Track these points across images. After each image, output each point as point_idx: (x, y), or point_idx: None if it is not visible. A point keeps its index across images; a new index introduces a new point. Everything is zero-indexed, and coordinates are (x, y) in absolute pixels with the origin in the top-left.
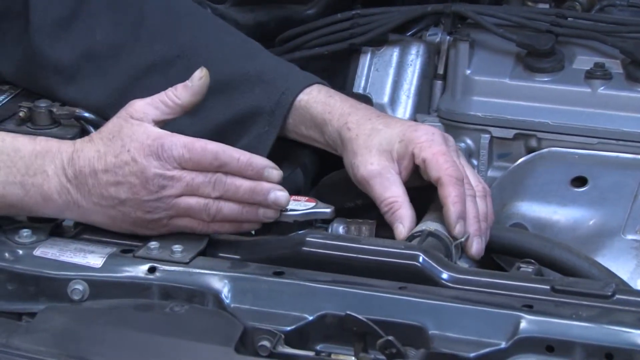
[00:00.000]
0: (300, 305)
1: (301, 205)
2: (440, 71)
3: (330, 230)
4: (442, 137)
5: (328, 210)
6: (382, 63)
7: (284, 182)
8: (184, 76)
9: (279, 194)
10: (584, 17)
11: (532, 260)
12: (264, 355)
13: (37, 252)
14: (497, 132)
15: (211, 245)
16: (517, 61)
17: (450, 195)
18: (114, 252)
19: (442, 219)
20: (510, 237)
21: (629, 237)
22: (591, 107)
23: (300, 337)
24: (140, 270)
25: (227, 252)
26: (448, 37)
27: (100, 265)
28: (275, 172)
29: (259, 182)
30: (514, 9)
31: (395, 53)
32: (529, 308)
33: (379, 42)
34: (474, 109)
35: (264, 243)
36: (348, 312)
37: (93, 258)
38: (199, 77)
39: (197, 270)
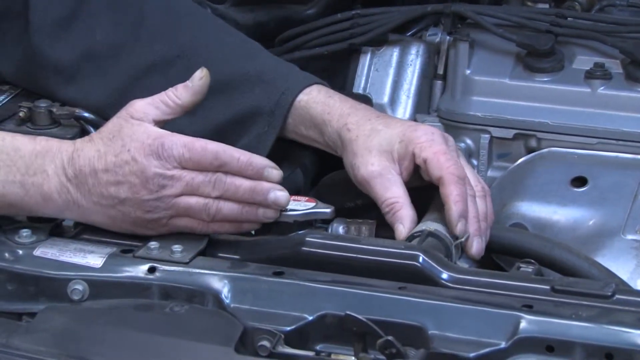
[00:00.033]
0: (300, 305)
1: (301, 205)
2: (440, 71)
3: (330, 230)
4: (442, 136)
5: (328, 210)
6: (382, 63)
7: (284, 182)
8: (184, 76)
9: (279, 194)
10: (584, 17)
11: (532, 260)
12: (264, 355)
13: (37, 252)
14: (497, 132)
15: (211, 245)
16: (517, 61)
17: (452, 193)
18: (113, 252)
19: (442, 219)
20: (510, 237)
21: (629, 237)
22: (591, 107)
23: (300, 337)
24: (140, 270)
25: (227, 252)
26: (448, 37)
27: (100, 265)
28: (275, 172)
29: (259, 182)
30: (514, 9)
31: (395, 53)
32: (528, 308)
33: (379, 42)
34: (474, 109)
35: (264, 243)
36: (348, 312)
37: (93, 258)
38: (200, 77)
39: (197, 270)
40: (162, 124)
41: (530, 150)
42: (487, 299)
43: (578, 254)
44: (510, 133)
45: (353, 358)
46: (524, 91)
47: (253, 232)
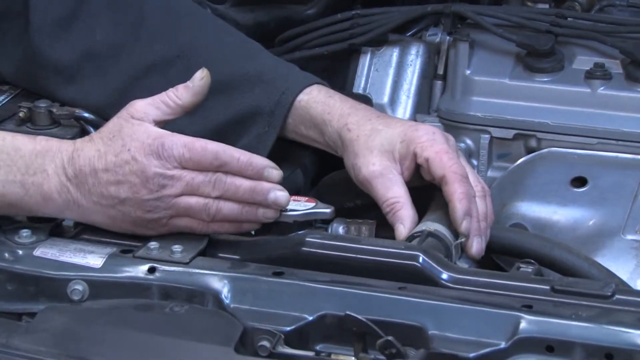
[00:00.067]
0: (300, 305)
1: (301, 206)
2: (440, 71)
3: (330, 230)
4: (443, 136)
5: (328, 210)
6: (382, 63)
7: (284, 182)
8: (184, 76)
9: (279, 194)
10: (584, 17)
11: (532, 261)
12: (264, 356)
13: (37, 252)
14: (497, 132)
15: (211, 245)
16: (517, 61)
17: (456, 192)
18: (113, 252)
19: (442, 219)
20: (510, 237)
21: (629, 237)
22: (591, 107)
23: (300, 337)
24: (140, 270)
25: (227, 252)
26: (448, 37)
27: (100, 266)
28: (276, 172)
29: (259, 182)
30: (514, 9)
31: (395, 53)
32: (528, 308)
33: (379, 42)
34: (474, 109)
35: (264, 243)
36: (348, 312)
37: (93, 258)
38: (200, 77)
39: (197, 271)
40: (163, 124)
41: (530, 151)
42: (487, 299)
43: (578, 254)
44: (510, 133)
45: (353, 358)
46: (524, 91)
47: (253, 232)
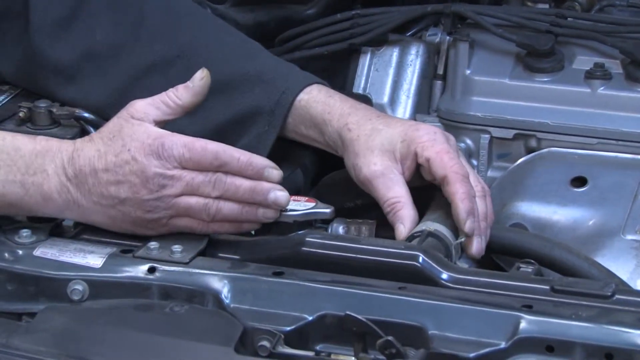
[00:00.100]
0: (300, 305)
1: (301, 205)
2: (440, 71)
3: (330, 230)
4: (444, 136)
5: (328, 210)
6: (382, 63)
7: (284, 182)
8: (184, 76)
9: (279, 194)
10: (584, 17)
11: (532, 260)
12: (264, 356)
13: (37, 252)
14: (497, 132)
15: (211, 245)
16: (517, 61)
17: (458, 192)
18: (113, 252)
19: (442, 219)
20: (510, 237)
21: (629, 237)
22: (591, 107)
23: (300, 337)
24: (140, 270)
25: (227, 252)
26: (448, 37)
27: (100, 266)
28: (276, 172)
29: (259, 181)
30: (514, 9)
31: (395, 53)
32: (528, 308)
33: (379, 42)
34: (474, 109)
35: (264, 243)
36: (348, 312)
37: (93, 258)
38: (200, 77)
39: (197, 271)
40: (163, 124)
41: (530, 151)
42: (487, 299)
43: (578, 254)
44: (510, 133)
45: (353, 358)
46: (524, 91)
47: (253, 232)
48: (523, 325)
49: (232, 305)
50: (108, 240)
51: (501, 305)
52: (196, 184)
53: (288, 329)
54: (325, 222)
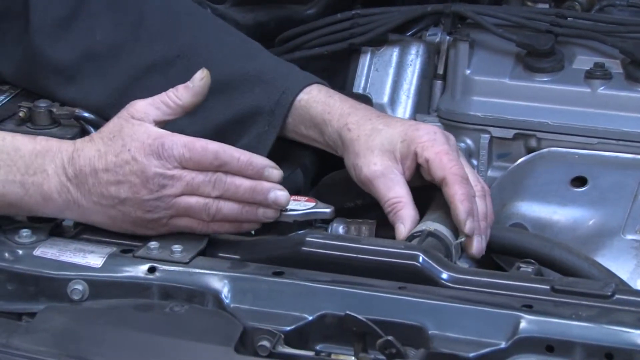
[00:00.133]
0: (300, 305)
1: (301, 205)
2: (440, 71)
3: (330, 230)
4: (444, 136)
5: (328, 210)
6: (382, 63)
7: (284, 182)
8: (184, 76)
9: (279, 194)
10: (584, 17)
11: (532, 260)
12: (264, 355)
13: (37, 252)
14: (497, 132)
15: (211, 245)
16: (517, 61)
17: (457, 193)
18: (113, 252)
19: (442, 219)
20: (510, 237)
21: (629, 237)
22: (591, 107)
23: (300, 337)
24: (140, 270)
25: (227, 252)
26: (448, 37)
27: (100, 265)
28: (276, 172)
29: (259, 181)
30: (514, 9)
31: (395, 53)
32: (528, 308)
33: (379, 42)
34: (474, 109)
35: (264, 243)
36: (348, 312)
37: (93, 258)
38: (200, 77)
39: (197, 270)
40: (163, 125)
41: (530, 150)
42: (487, 299)
43: (578, 254)
44: (510, 133)
45: (353, 358)
46: (524, 91)
47: (253, 232)
48: (523, 325)
49: (232, 305)
50: (108, 240)
51: (501, 305)
52: (196, 184)
53: (288, 328)
54: (325, 222)
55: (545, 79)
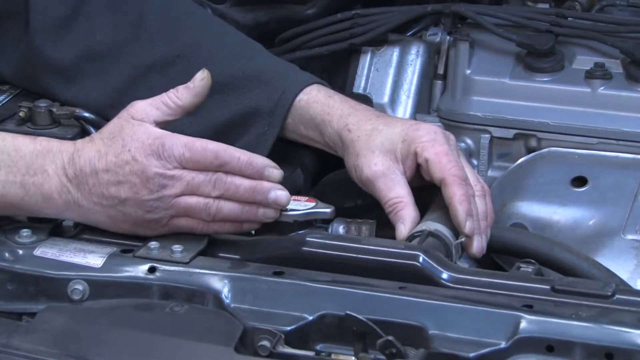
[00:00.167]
0: (300, 305)
1: (301, 205)
2: (441, 71)
3: (330, 230)
4: (444, 136)
5: (328, 210)
6: (382, 63)
7: (284, 182)
8: (184, 76)
9: (280, 194)
10: (584, 17)
11: (532, 260)
12: (264, 355)
13: (37, 252)
14: (497, 132)
15: (211, 245)
16: (517, 61)
17: (455, 194)
18: (114, 252)
19: (442, 219)
20: (511, 237)
21: (629, 237)
22: (591, 107)
23: (300, 337)
24: (140, 270)
25: (227, 252)
26: (448, 37)
27: (100, 265)
28: (276, 172)
29: (259, 181)
30: (514, 9)
31: (395, 53)
32: (528, 308)
33: (379, 42)
34: (474, 109)
35: (264, 243)
36: (348, 312)
37: (93, 258)
38: (201, 78)
39: (197, 270)
40: (163, 125)
41: (530, 150)
42: (487, 299)
43: (578, 254)
44: (510, 133)
45: (353, 358)
46: (524, 91)
47: (253, 232)
48: (523, 325)
49: (232, 305)
50: (108, 240)
51: (501, 305)
52: (196, 184)
53: (288, 328)
54: (326, 221)
55: (546, 79)
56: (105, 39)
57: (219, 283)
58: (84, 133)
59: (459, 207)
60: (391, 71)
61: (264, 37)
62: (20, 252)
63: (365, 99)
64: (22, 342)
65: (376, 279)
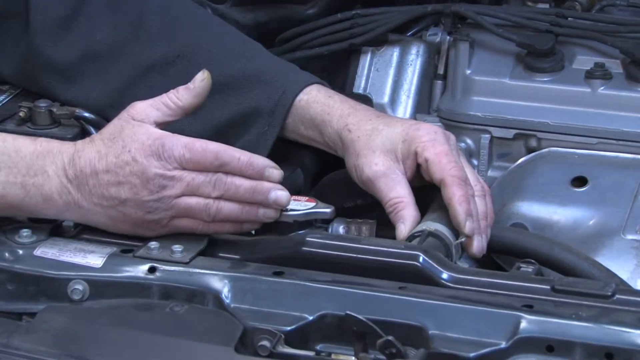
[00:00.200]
0: (300, 305)
1: (301, 205)
2: (441, 71)
3: (330, 230)
4: (444, 136)
5: (328, 210)
6: (382, 63)
7: (284, 182)
8: (184, 76)
9: (280, 194)
10: (584, 17)
11: (532, 260)
12: (264, 355)
13: (37, 252)
14: (497, 132)
15: (211, 245)
16: (517, 61)
17: (455, 195)
18: (114, 252)
19: (442, 219)
20: (511, 237)
21: (629, 237)
22: (591, 107)
23: (300, 337)
24: (140, 270)
25: (227, 252)
26: (448, 37)
27: (100, 265)
28: (276, 172)
29: (259, 181)
30: (514, 9)
31: (395, 53)
32: (529, 308)
33: (379, 42)
34: (474, 109)
35: (264, 243)
36: (348, 312)
37: (93, 258)
38: (201, 79)
39: (197, 270)
40: (164, 126)
41: (530, 150)
42: (487, 299)
43: (578, 254)
44: (510, 133)
45: (353, 358)
46: (524, 91)
47: (253, 232)
48: (523, 325)
49: (232, 305)
50: (108, 240)
51: (501, 305)
52: (196, 185)
53: (288, 328)
54: (326, 222)
55: (546, 79)
56: (105, 39)
57: (219, 283)
58: (84, 133)
59: (459, 207)
60: (391, 71)
61: (264, 37)
62: (21, 252)
63: (365, 99)
64: (22, 342)
65: (376, 279)
